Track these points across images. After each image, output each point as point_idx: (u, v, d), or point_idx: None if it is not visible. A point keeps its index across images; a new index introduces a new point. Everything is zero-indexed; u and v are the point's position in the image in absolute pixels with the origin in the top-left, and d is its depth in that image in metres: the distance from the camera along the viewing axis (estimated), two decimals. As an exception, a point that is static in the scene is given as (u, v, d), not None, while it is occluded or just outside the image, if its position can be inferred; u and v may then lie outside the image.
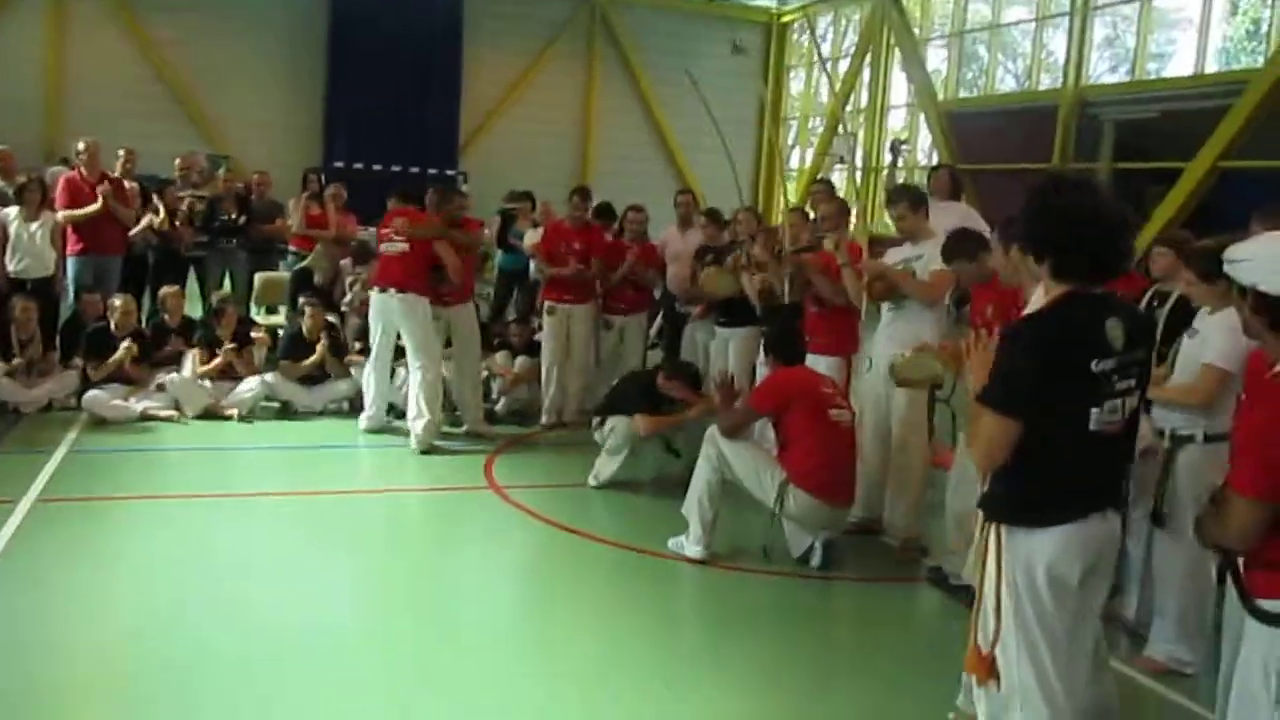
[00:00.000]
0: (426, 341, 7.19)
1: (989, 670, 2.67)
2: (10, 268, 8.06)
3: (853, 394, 5.89)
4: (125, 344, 7.52)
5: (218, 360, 7.76)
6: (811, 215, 7.02)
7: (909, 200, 5.64)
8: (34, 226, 8.10)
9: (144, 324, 8.13)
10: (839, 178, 20.53)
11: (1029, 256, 2.77)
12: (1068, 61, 15.98)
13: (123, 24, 18.38)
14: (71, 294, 8.43)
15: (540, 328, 8.13)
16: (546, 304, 7.95)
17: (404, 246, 7.17)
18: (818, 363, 5.81)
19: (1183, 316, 4.41)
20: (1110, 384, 2.61)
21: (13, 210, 8.15)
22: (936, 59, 19.82)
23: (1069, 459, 2.64)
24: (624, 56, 21.98)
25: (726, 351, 7.24)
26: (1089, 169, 13.96)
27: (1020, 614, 2.64)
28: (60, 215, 8.29)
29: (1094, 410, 2.60)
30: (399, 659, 4.09)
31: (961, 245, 5.01)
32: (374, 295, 7.38)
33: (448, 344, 7.58)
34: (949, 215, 6.37)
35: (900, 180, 8.91)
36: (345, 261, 9.52)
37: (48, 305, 8.02)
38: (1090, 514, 2.67)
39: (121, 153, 9.04)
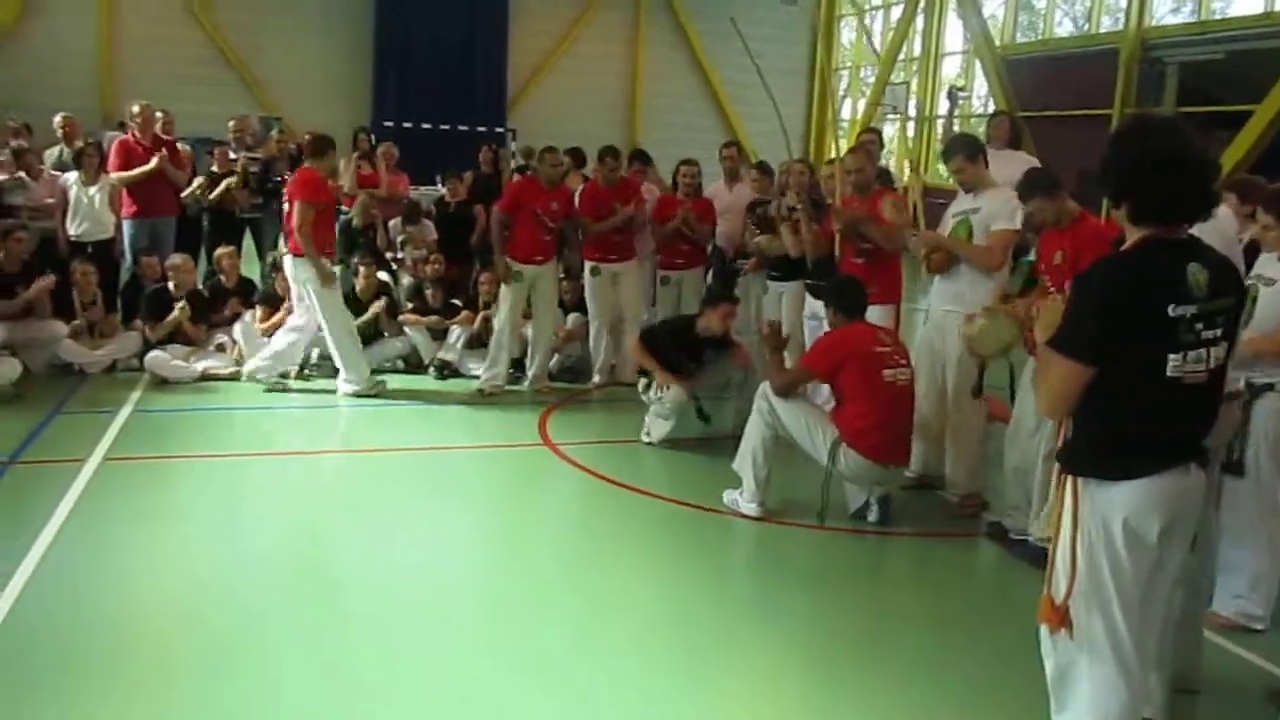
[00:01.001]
0: (318, 300, 7.17)
1: (1061, 620, 2.62)
2: (71, 231, 8.23)
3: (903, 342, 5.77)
4: (180, 305, 7.59)
5: (279, 315, 7.80)
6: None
7: (965, 152, 5.45)
8: (93, 190, 8.25)
9: (200, 286, 8.24)
10: (892, 128, 20.19)
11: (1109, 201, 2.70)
12: (1129, 3, 15.49)
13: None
14: (130, 257, 8.57)
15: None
16: (589, 264, 7.90)
17: (287, 207, 7.27)
18: (869, 313, 5.69)
19: (1249, 263, 4.27)
20: (1193, 331, 2.52)
21: (73, 175, 8.31)
22: (993, 3, 19.32)
23: (1146, 408, 2.57)
24: (671, 6, 21.70)
25: (779, 304, 7.18)
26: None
27: (1094, 567, 2.59)
28: (114, 177, 8.41)
29: (1171, 357, 2.52)
30: (457, 612, 4.14)
31: (1039, 181, 4.78)
32: None
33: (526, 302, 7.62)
34: (1010, 164, 6.20)
35: (956, 129, 8.66)
36: (395, 221, 9.57)
37: (108, 268, 8.17)
38: (1169, 468, 2.59)
39: (159, 114, 9.14)
